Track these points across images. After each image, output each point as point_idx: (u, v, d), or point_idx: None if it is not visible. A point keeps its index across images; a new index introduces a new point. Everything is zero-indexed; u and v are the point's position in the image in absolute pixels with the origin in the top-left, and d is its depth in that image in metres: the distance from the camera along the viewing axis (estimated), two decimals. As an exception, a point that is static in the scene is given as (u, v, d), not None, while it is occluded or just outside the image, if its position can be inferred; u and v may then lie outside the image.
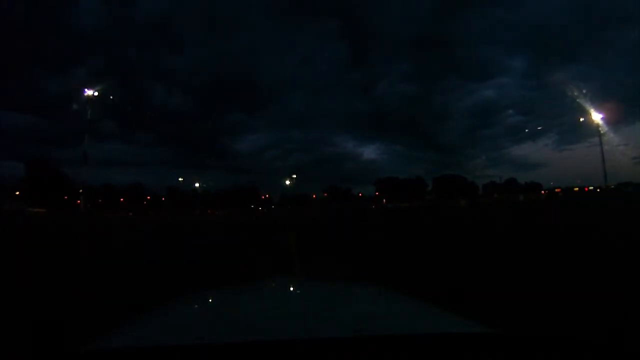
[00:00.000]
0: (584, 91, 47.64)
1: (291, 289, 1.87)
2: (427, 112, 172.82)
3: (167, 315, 1.37)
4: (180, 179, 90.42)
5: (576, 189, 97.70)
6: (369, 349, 0.81)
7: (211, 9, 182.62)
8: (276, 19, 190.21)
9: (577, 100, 47.02)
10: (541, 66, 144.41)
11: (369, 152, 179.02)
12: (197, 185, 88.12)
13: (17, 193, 70.39)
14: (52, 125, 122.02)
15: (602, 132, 46.81)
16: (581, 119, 49.36)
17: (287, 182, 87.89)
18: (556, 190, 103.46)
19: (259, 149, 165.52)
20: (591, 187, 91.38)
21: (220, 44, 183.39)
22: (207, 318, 1.30)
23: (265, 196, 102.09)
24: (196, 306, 1.56)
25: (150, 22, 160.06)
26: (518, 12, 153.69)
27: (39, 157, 78.32)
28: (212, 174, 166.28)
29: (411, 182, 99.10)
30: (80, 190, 54.35)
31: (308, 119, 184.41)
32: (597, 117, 46.54)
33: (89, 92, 43.70)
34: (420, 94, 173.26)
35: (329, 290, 1.85)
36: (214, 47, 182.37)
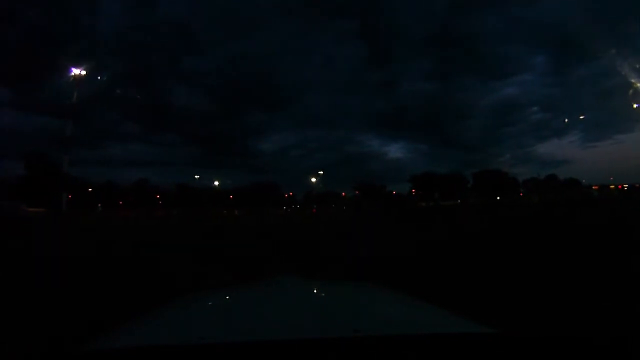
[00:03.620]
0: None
1: (291, 289, 1.85)
2: (451, 111, 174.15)
3: (167, 315, 1.41)
4: (196, 177, 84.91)
5: (612, 186, 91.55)
6: (369, 349, 0.82)
7: (232, 11, 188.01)
8: (297, 20, 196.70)
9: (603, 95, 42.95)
10: (564, 62, 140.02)
11: (394, 151, 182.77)
12: (216, 183, 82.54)
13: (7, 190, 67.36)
14: (71, 127, 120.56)
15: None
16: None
17: (313, 180, 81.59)
18: (593, 187, 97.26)
19: (283, 148, 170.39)
20: (625, 185, 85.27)
21: (242, 45, 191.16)
22: (208, 318, 1.33)
23: (288, 194, 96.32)
24: (196, 306, 1.58)
25: (171, 24, 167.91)
26: (539, 7, 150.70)
27: (38, 153, 73.28)
28: (235, 174, 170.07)
29: (450, 178, 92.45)
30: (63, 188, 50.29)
31: (331, 118, 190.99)
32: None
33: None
34: (443, 93, 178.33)
35: (329, 290, 1.90)
36: (236, 48, 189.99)
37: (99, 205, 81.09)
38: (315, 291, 1.84)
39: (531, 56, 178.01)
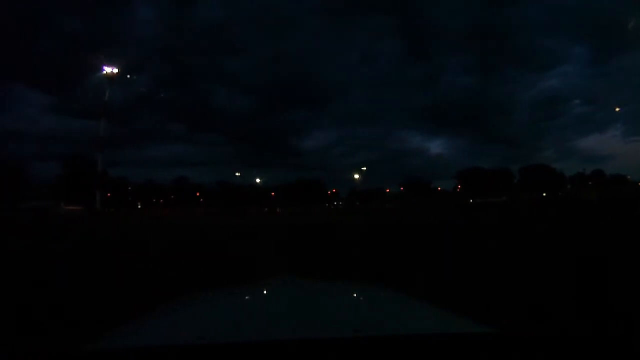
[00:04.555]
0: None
1: (291, 289, 1.87)
2: (492, 105, 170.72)
3: (167, 315, 1.43)
4: (237, 174, 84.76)
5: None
6: (369, 349, 0.83)
7: (272, 11, 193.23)
8: (337, 17, 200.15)
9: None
10: (606, 52, 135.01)
11: (436, 146, 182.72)
12: (257, 180, 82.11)
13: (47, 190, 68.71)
14: (114, 129, 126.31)
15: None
16: None
17: (356, 176, 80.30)
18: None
19: (325, 146, 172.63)
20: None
21: (283, 44, 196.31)
22: (208, 318, 1.32)
23: (332, 191, 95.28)
24: (196, 306, 1.59)
25: (212, 26, 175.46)
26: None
27: (75, 154, 74.23)
28: (277, 173, 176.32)
29: (496, 173, 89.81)
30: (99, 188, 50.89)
31: (372, 115, 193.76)
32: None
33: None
34: (483, 87, 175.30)
35: (329, 290, 1.90)
36: (277, 47, 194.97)
37: (138, 203, 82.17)
38: (315, 291, 1.84)
39: (572, 47, 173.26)
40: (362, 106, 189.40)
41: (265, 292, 1.81)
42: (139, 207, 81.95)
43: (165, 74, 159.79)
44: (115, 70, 55.02)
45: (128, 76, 53.82)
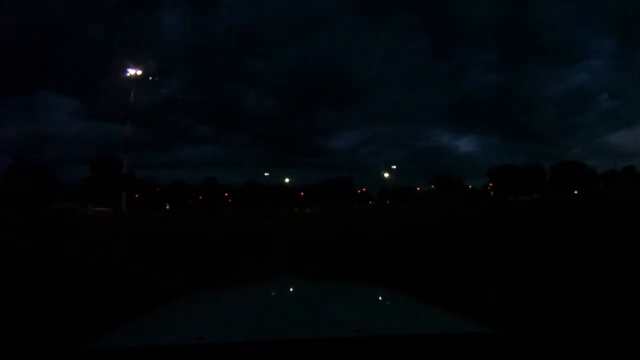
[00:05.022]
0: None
1: (291, 289, 1.88)
2: (519, 101, 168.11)
3: (167, 315, 1.43)
4: (266, 174, 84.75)
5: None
6: (369, 349, 0.83)
7: (296, 11, 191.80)
8: (360, 16, 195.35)
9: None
10: (634, 45, 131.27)
11: (464, 144, 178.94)
12: (287, 180, 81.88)
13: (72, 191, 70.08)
14: (143, 132, 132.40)
15: None
16: None
17: (386, 175, 79.42)
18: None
19: (353, 145, 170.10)
20: None
21: (308, 44, 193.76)
22: (208, 318, 1.33)
23: (361, 190, 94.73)
24: (196, 306, 1.60)
25: (237, 28, 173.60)
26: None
27: (103, 156, 75.23)
28: (306, 172, 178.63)
29: (528, 171, 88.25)
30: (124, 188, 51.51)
31: (400, 113, 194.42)
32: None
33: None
34: (510, 83, 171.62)
35: (329, 290, 1.91)
36: (302, 48, 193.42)
37: (167, 204, 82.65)
38: (315, 291, 1.85)
39: (599, 40, 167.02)
40: (390, 105, 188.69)
41: (265, 292, 1.80)
42: (168, 207, 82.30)
43: (193, 77, 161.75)
44: (140, 72, 55.27)
45: (151, 78, 53.92)
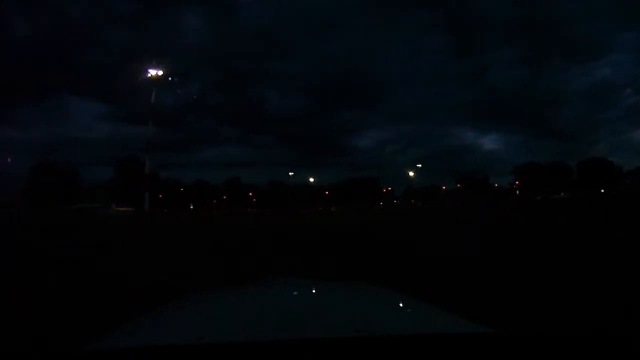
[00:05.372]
0: None
1: (291, 289, 1.88)
2: (543, 98, 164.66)
3: (167, 315, 1.43)
4: (290, 174, 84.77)
5: None
6: (369, 349, 0.83)
7: (317, 12, 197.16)
8: (383, 15, 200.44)
9: None
10: None
11: (489, 142, 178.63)
12: (311, 180, 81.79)
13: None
14: (168, 134, 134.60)
15: None
16: None
17: (411, 174, 78.92)
18: None
19: (378, 144, 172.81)
20: None
21: (330, 44, 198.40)
22: (208, 318, 1.33)
23: (387, 190, 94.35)
24: (197, 306, 1.60)
25: (259, 31, 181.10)
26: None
27: (126, 157, 75.93)
28: (330, 172, 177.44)
29: (554, 168, 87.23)
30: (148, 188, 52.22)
31: (424, 112, 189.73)
32: None
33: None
34: (532, 79, 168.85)
35: (329, 290, 1.91)
36: (325, 48, 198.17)
37: (191, 204, 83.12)
38: (315, 291, 1.84)
39: (622, 33, 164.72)
40: (413, 103, 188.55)
41: (265, 292, 1.81)
42: (191, 207, 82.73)
43: (217, 79, 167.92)
44: (160, 73, 55.81)
45: (171, 79, 54.42)
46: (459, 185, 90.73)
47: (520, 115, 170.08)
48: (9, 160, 73.00)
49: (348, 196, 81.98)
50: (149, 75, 59.20)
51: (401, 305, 1.54)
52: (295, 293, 1.76)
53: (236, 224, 23.85)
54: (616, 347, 0.85)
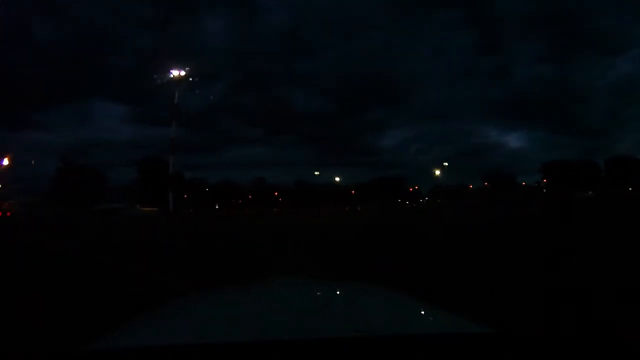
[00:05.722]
0: None
1: (291, 288, 1.88)
2: (568, 94, 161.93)
3: (167, 315, 1.43)
4: (316, 173, 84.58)
5: None
6: (369, 349, 0.83)
7: (341, 12, 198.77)
8: (406, 14, 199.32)
9: None
10: None
11: (513, 140, 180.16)
12: (337, 179, 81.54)
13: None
14: (194, 135, 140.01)
15: None
16: None
17: (437, 172, 78.24)
18: None
19: (402, 143, 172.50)
20: None
21: (353, 43, 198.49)
22: (208, 318, 1.33)
23: (413, 188, 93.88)
24: (197, 306, 1.61)
25: (283, 31, 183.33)
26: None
27: (149, 158, 76.65)
28: (355, 171, 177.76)
29: (582, 166, 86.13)
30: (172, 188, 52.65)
31: (448, 110, 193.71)
32: None
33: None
34: (557, 75, 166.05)
35: (329, 290, 1.90)
36: (348, 47, 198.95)
37: (216, 204, 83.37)
38: (315, 291, 1.85)
39: None
40: (438, 101, 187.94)
41: (265, 291, 1.81)
42: (217, 207, 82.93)
43: (242, 80, 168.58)
44: (183, 73, 55.85)
45: (195, 80, 54.60)
46: (486, 183, 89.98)
47: (545, 112, 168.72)
48: (32, 163, 73.97)
49: (374, 195, 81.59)
50: (172, 76, 59.30)
51: (401, 305, 1.54)
52: (295, 293, 1.74)
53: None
54: (616, 348, 0.85)
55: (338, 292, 1.82)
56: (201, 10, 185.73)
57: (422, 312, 1.41)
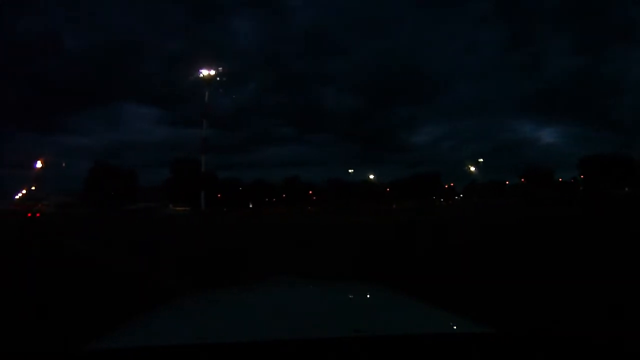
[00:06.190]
0: None
1: (291, 288, 1.89)
2: (601, 87, 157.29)
3: (168, 315, 1.44)
4: (350, 171, 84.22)
5: None
6: (369, 349, 0.84)
7: (370, 9, 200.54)
8: (433, 8, 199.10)
9: None
10: None
11: (546, 135, 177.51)
12: (371, 176, 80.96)
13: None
14: (227, 135, 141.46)
15: None
16: None
17: (472, 169, 77.14)
18: None
19: (436, 140, 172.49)
20: None
21: (385, 41, 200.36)
22: (208, 318, 1.34)
23: (448, 185, 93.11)
24: (197, 306, 1.61)
25: (313, 30, 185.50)
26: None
27: (181, 158, 76.44)
28: (388, 169, 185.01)
29: (620, 161, 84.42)
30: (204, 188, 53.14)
31: (480, 106, 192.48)
32: None
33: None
34: (589, 67, 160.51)
35: (329, 290, 1.91)
36: (378, 45, 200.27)
37: (250, 203, 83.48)
38: (315, 291, 1.87)
39: None
40: (470, 97, 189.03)
41: (265, 292, 1.82)
42: (250, 206, 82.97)
43: (274, 79, 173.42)
44: (213, 73, 55.90)
45: (227, 80, 54.79)
46: (522, 180, 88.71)
47: (578, 106, 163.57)
48: (63, 165, 74.78)
49: (410, 193, 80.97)
50: (203, 76, 59.04)
51: (401, 305, 1.54)
52: (295, 293, 1.74)
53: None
54: (615, 348, 0.86)
55: (338, 292, 1.81)
56: (231, 12, 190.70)
57: (422, 312, 1.41)
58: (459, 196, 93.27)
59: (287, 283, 2.03)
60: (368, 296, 1.76)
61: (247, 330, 1.05)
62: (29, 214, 39.34)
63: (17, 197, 68.68)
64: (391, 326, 1.12)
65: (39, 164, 58.55)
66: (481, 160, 78.63)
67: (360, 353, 0.82)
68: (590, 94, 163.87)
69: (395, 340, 0.88)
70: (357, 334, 0.93)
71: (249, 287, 2.03)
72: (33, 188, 66.71)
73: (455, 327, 1.18)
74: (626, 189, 78.21)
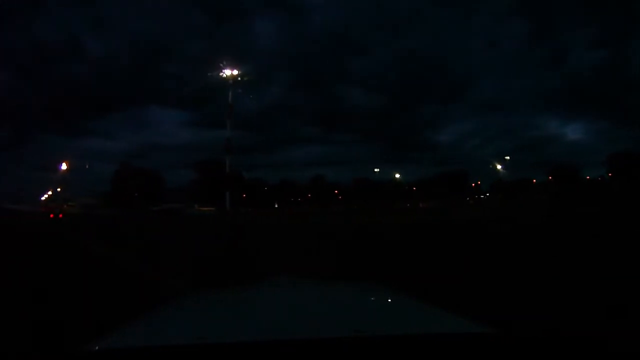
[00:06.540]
0: None
1: (292, 288, 1.90)
2: (629, 81, 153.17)
3: (167, 315, 1.44)
4: (376, 170, 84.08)
5: None
6: (369, 349, 0.84)
7: (392, 8, 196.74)
8: (455, 5, 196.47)
9: None
10: None
11: (572, 131, 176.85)
12: (397, 175, 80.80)
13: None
14: (252, 136, 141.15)
15: None
16: None
17: (498, 167, 76.46)
18: None
19: (461, 138, 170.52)
20: None
21: (407, 39, 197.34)
22: (208, 318, 1.34)
23: (475, 184, 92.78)
24: (197, 306, 1.62)
25: (336, 30, 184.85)
26: None
27: (206, 159, 76.95)
28: (413, 167, 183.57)
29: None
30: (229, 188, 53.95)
31: (504, 102, 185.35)
32: None
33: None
34: (615, 60, 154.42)
35: (329, 290, 1.92)
36: (401, 43, 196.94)
37: (275, 203, 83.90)
38: (315, 291, 1.88)
39: None
40: (494, 94, 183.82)
41: (265, 292, 1.83)
42: (276, 206, 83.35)
43: (298, 80, 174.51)
44: (236, 73, 56.30)
45: (250, 81, 55.12)
46: (550, 177, 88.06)
47: (604, 102, 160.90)
48: (86, 166, 75.55)
49: (436, 192, 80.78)
50: (226, 76, 59.02)
51: (401, 305, 1.56)
52: (295, 293, 1.76)
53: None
54: (616, 348, 0.86)
55: (338, 292, 1.82)
56: (255, 13, 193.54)
57: (422, 312, 1.41)
58: (485, 195, 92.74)
59: (287, 283, 2.05)
60: (368, 296, 1.76)
61: (247, 330, 1.06)
62: (52, 215, 39.88)
63: (43, 198, 69.75)
64: (391, 326, 1.13)
65: (64, 166, 59.26)
66: (507, 157, 77.81)
67: (361, 353, 0.83)
68: (617, 88, 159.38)
69: (395, 340, 0.89)
70: (357, 334, 0.93)
71: (249, 287, 2.07)
72: (59, 190, 67.60)
73: (455, 327, 1.16)
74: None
